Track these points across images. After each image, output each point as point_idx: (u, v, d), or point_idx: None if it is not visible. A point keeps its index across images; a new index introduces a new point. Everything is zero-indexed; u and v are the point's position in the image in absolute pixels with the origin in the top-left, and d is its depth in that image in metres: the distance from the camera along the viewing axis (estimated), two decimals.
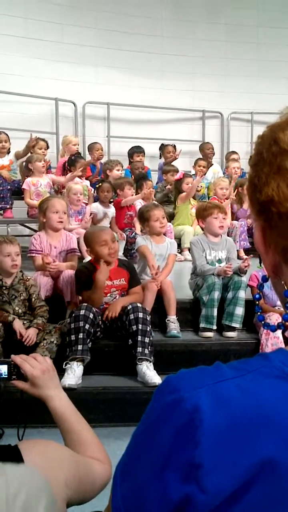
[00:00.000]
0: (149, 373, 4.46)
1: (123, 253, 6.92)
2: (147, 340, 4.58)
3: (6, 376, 1.85)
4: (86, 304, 4.63)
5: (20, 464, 1.30)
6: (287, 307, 0.81)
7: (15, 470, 1.13)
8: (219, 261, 5.38)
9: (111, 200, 7.77)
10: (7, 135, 8.34)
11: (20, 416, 1.95)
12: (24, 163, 8.10)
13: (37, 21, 10.06)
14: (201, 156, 10.10)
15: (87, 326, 4.51)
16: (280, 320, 4.79)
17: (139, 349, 4.52)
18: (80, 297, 4.94)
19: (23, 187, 7.80)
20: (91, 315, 4.56)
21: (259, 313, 0.93)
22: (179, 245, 7.19)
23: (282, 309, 0.89)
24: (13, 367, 1.83)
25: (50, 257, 5.15)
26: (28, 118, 9.69)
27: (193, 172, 9.59)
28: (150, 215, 5.51)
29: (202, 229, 5.62)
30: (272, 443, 0.69)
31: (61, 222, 5.41)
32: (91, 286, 4.76)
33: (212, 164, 10.14)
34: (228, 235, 7.04)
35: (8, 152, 8.37)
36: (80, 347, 4.49)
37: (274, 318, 4.75)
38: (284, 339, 4.75)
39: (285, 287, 0.82)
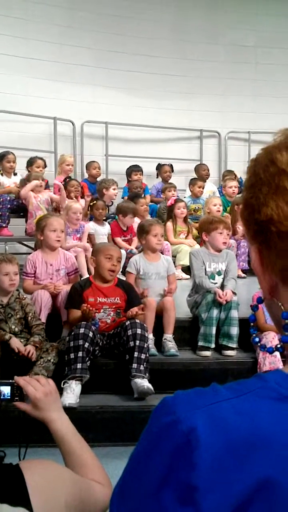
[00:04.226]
0: (140, 381, 4.49)
1: (121, 271, 6.93)
2: (143, 356, 4.60)
3: (9, 397, 1.85)
4: (85, 322, 4.64)
5: (18, 508, 1.30)
6: (285, 329, 0.81)
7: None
8: (219, 273, 5.38)
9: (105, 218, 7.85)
10: (14, 155, 8.42)
11: (21, 436, 1.95)
12: (24, 180, 8.15)
13: (36, 41, 10.15)
14: (196, 177, 10.12)
15: (86, 345, 4.52)
16: (276, 338, 4.80)
17: (135, 365, 4.55)
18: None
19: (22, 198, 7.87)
20: (91, 334, 4.57)
21: (254, 335, 0.93)
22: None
23: None
24: (16, 388, 1.83)
25: (47, 281, 5.25)
26: (26, 137, 9.75)
27: (188, 191, 9.61)
28: (150, 229, 5.52)
29: (204, 242, 5.61)
30: (268, 464, 0.69)
31: (59, 241, 5.42)
32: (80, 303, 4.80)
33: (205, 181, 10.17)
34: None
35: (15, 174, 8.46)
36: (79, 365, 4.49)
37: (271, 337, 4.74)
38: (282, 357, 4.74)
39: (282, 308, 0.82)
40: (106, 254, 4.94)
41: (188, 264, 6.43)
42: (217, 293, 5.10)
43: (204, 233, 5.52)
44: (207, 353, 5.08)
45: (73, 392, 4.40)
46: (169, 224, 8.11)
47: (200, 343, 5.10)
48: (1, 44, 9.80)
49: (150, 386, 4.49)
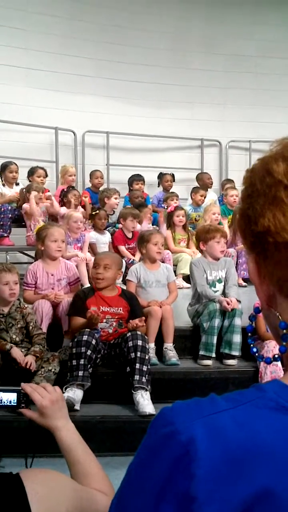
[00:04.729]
0: (142, 402, 4.44)
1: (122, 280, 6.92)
2: (144, 368, 4.57)
3: (15, 404, 1.85)
4: (89, 330, 4.63)
5: None
6: (283, 339, 0.81)
7: None
8: (219, 280, 5.39)
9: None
10: (16, 165, 8.44)
11: (27, 445, 1.94)
12: (24, 190, 8.16)
13: (37, 52, 10.18)
14: (198, 185, 10.13)
15: (89, 352, 4.52)
16: (277, 348, 4.77)
17: (136, 377, 4.51)
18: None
19: (23, 211, 7.87)
20: (94, 341, 4.57)
21: (252, 345, 0.93)
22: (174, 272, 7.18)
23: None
24: (23, 395, 1.83)
25: (48, 291, 5.24)
26: (28, 147, 9.76)
27: (190, 200, 9.63)
28: (150, 238, 5.53)
29: (202, 251, 5.61)
30: (267, 474, 0.69)
31: (59, 251, 5.42)
32: (83, 311, 4.78)
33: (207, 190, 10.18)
34: None
35: (17, 184, 8.47)
36: (81, 373, 4.49)
37: (272, 346, 4.73)
38: (282, 367, 4.71)
39: (280, 318, 0.82)
40: (95, 263, 5.02)
41: (188, 273, 6.42)
42: (224, 302, 5.09)
43: (201, 243, 5.54)
44: (208, 362, 5.07)
45: (74, 393, 4.43)
46: (168, 232, 8.11)
47: (201, 352, 5.09)
48: (2, 54, 9.83)
49: (152, 411, 4.38)
